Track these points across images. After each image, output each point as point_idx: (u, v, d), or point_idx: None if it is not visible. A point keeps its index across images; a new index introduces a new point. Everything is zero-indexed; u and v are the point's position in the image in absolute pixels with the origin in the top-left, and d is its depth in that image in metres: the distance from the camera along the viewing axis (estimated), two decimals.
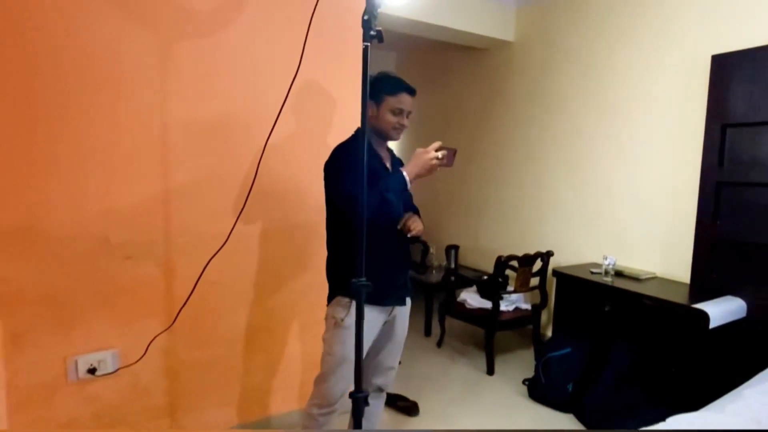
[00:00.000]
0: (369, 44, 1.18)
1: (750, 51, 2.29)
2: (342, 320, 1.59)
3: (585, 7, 3.21)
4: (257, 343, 2.17)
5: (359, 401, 1.26)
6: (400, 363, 2.20)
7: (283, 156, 2.12)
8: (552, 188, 3.51)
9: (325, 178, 1.62)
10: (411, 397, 2.60)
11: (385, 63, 5.08)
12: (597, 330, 2.65)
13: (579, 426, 2.40)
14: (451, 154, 1.48)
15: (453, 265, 4.03)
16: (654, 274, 2.77)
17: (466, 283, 3.57)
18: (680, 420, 1.59)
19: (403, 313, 1.78)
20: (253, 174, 1.79)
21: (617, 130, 3.04)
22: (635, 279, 2.67)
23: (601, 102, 3.13)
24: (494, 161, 4.04)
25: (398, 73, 1.66)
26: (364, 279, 1.21)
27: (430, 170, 1.47)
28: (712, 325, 2.11)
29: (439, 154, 1.45)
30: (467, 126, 4.33)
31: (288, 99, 1.58)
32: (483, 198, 4.18)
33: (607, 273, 2.72)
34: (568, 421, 2.46)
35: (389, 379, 1.86)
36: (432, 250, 4.23)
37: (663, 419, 1.60)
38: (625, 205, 3.00)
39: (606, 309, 2.63)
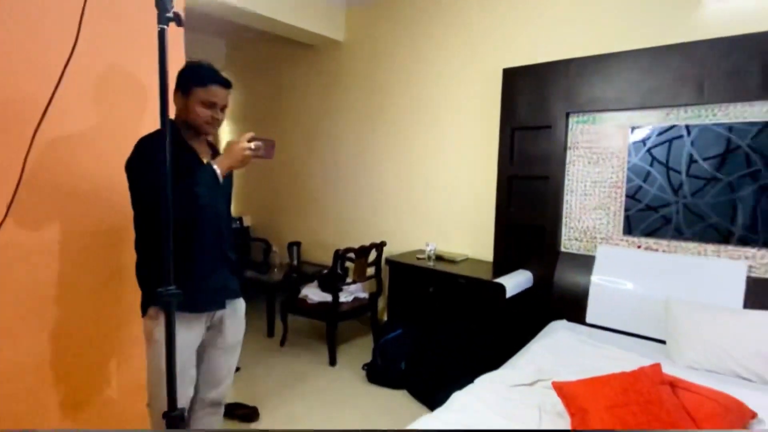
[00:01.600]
0: (166, 27, 1.07)
1: (530, 67, 2.79)
2: (154, 334, 1.44)
3: (407, 14, 3.49)
4: (58, 375, 1.82)
5: (174, 420, 1.15)
6: (238, 369, 2.09)
7: (89, 149, 1.81)
8: (384, 182, 3.75)
9: (129, 175, 1.43)
10: (252, 403, 2.50)
11: (213, 50, 4.73)
12: (424, 310, 2.93)
13: (412, 400, 2.63)
14: (269, 145, 1.45)
15: (296, 262, 4.01)
16: (467, 256, 3.19)
17: (308, 279, 3.59)
18: (484, 378, 1.87)
19: (232, 316, 1.69)
20: (36, 169, 1.48)
21: (434, 129, 3.40)
22: (452, 261, 3.03)
23: (421, 103, 3.46)
24: (331, 157, 4.13)
25: (228, 62, 1.57)
26: (173, 287, 1.10)
27: (243, 161, 1.43)
28: (508, 295, 2.53)
29: (252, 144, 1.42)
30: (304, 121, 4.33)
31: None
32: (322, 193, 4.25)
33: (429, 258, 3.04)
34: (402, 396, 2.67)
35: (223, 391, 1.75)
36: (275, 248, 4.13)
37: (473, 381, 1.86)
38: (443, 197, 3.38)
39: (430, 290, 2.93)
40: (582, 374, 1.67)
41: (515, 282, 2.62)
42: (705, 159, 2.28)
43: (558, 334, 2.30)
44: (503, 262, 2.95)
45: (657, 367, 1.57)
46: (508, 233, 2.96)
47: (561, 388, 1.58)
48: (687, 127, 2.32)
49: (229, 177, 1.55)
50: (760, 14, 2.13)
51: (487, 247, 3.10)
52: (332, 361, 3.05)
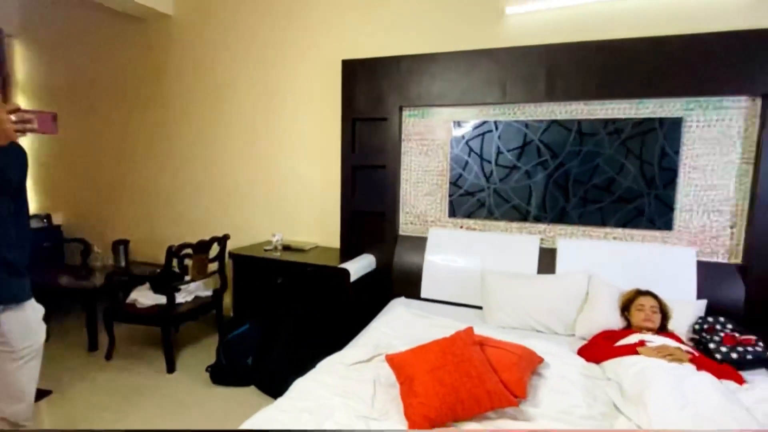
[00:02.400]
0: None
1: (367, 60, 2.90)
2: None
3: None
4: None
5: None
6: (49, 392, 1.79)
7: None
8: (227, 173, 3.54)
9: None
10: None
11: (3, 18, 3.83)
12: (273, 302, 2.88)
13: (260, 395, 2.57)
14: (46, 118, 1.27)
15: (123, 263, 3.54)
16: (316, 244, 3.22)
17: (139, 281, 3.20)
18: (325, 362, 1.91)
19: (15, 323, 1.43)
20: None
21: (279, 117, 3.32)
22: (301, 250, 3.03)
23: (264, 89, 3.34)
24: (165, 143, 3.73)
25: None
26: None
27: (7, 135, 1.22)
28: (352, 279, 2.64)
29: (13, 117, 1.23)
30: (131, 103, 3.81)
31: None
32: (155, 186, 3.81)
33: (276, 248, 2.98)
34: (249, 393, 2.59)
35: (21, 411, 1.48)
36: (96, 249, 3.58)
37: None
38: (291, 186, 3.34)
39: (279, 281, 2.88)
40: (414, 344, 1.83)
41: (359, 266, 2.74)
42: (509, 150, 2.68)
43: (396, 311, 2.48)
44: (349, 248, 3.06)
45: (470, 330, 1.81)
46: (353, 220, 3.07)
47: (392, 360, 1.71)
48: (495, 122, 2.70)
49: None
50: (548, 28, 2.56)
51: (335, 235, 3.17)
52: (170, 368, 2.79)
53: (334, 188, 3.14)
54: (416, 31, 2.87)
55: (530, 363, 1.79)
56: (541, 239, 2.67)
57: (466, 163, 2.78)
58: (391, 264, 2.91)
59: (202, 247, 2.93)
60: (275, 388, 2.52)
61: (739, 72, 2.18)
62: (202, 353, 3.07)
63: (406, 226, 2.99)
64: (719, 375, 1.75)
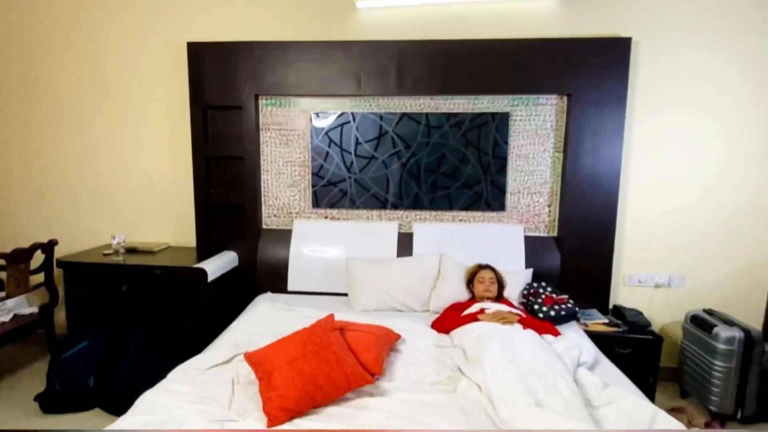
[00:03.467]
0: None
1: (216, 44, 2.72)
2: None
3: None
4: None
5: None
6: None
7: None
8: (52, 169, 3.02)
9: None
10: None
11: None
12: (117, 313, 2.56)
13: (107, 417, 2.28)
14: None
15: None
16: (167, 244, 2.95)
17: None
18: (178, 370, 1.78)
19: None
20: None
21: (116, 106, 2.94)
22: (149, 252, 2.74)
23: (96, 75, 2.91)
24: None
25: None
26: None
27: None
28: (210, 278, 2.48)
29: None
30: None
31: None
32: None
33: (117, 252, 2.66)
34: (93, 417, 2.28)
35: None
36: None
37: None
38: (133, 182, 2.99)
39: (124, 288, 2.58)
40: (277, 339, 1.80)
41: (218, 264, 2.59)
42: (366, 141, 2.78)
43: (259, 307, 2.41)
44: (207, 246, 2.87)
45: (330, 317, 1.84)
46: (210, 216, 2.88)
47: (251, 357, 1.66)
48: (353, 114, 2.77)
49: None
50: (397, 25, 2.70)
51: (191, 233, 2.94)
52: None
53: (186, 182, 2.91)
54: (271, 16, 2.78)
55: (388, 341, 1.91)
56: (400, 225, 2.84)
57: (327, 153, 2.80)
58: (255, 259, 2.81)
59: (20, 256, 2.47)
60: (124, 407, 2.27)
61: (551, 74, 2.58)
62: (29, 381, 2.60)
63: (270, 219, 2.92)
64: (540, 330, 2.08)
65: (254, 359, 1.65)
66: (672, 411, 2.31)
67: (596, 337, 2.32)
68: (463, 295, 2.48)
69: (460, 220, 2.82)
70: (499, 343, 1.80)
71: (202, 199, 2.85)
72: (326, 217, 2.88)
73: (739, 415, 2.25)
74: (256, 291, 2.79)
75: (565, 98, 2.65)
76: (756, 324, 2.64)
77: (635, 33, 2.54)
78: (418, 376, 1.74)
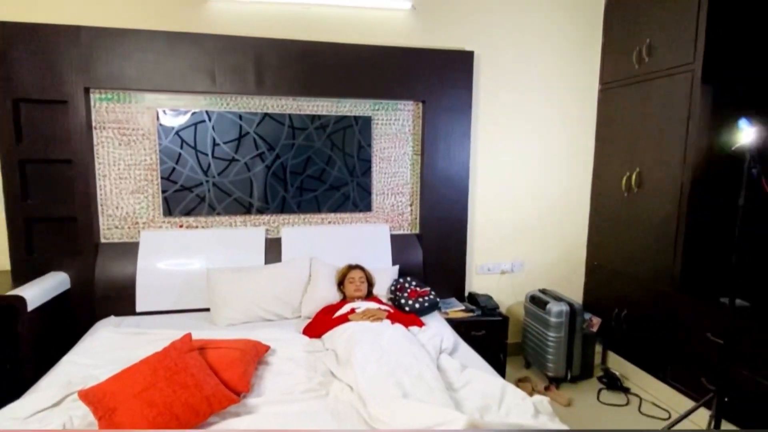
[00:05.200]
0: None
1: (30, 26, 2.26)
2: None
3: None
4: None
5: None
6: None
7: None
8: None
9: None
10: None
11: None
12: None
13: None
14: None
15: None
16: None
17: None
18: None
19: None
20: None
21: None
22: None
23: None
24: None
25: None
26: None
27: None
28: (31, 307, 2.06)
29: None
30: None
31: None
32: None
33: None
34: None
35: None
36: None
37: None
38: None
39: None
40: (122, 369, 1.57)
41: (41, 289, 2.16)
42: (225, 142, 2.60)
43: (99, 334, 2.08)
44: (25, 268, 2.37)
45: (186, 337, 1.67)
46: (29, 230, 2.39)
47: (87, 395, 1.41)
48: (207, 113, 2.56)
49: None
50: (254, 21, 2.57)
51: (2, 252, 2.40)
52: None
53: None
54: None
55: (256, 354, 1.80)
56: (267, 230, 2.72)
57: (179, 155, 2.54)
58: (93, 279, 2.42)
59: None
60: None
61: (407, 81, 2.73)
62: None
63: (110, 231, 2.53)
64: (407, 324, 2.19)
65: (92, 396, 1.41)
66: (519, 381, 2.64)
67: (456, 324, 2.53)
68: (335, 297, 2.48)
69: (329, 222, 2.82)
70: (369, 341, 1.83)
71: (17, 212, 2.34)
72: (181, 226, 2.62)
73: (568, 376, 2.66)
74: (95, 317, 2.40)
75: (420, 104, 2.84)
76: (578, 298, 3.18)
77: (477, 47, 2.84)
78: (288, 385, 1.68)
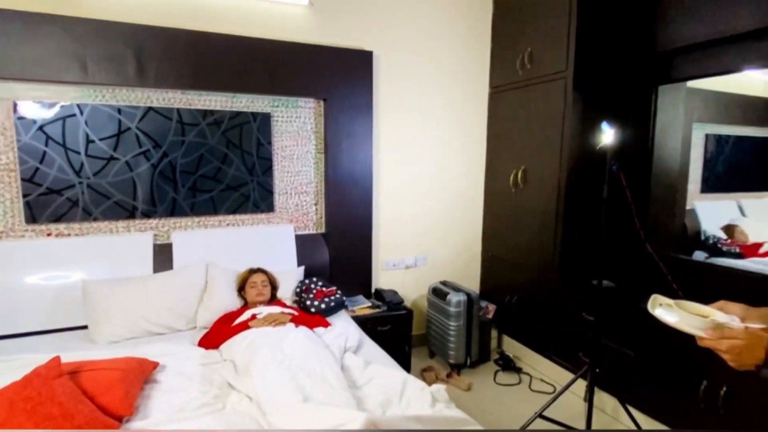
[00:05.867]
0: None
1: None
2: None
3: None
4: None
5: None
6: None
7: None
8: None
9: None
10: None
11: None
12: None
13: None
14: None
15: None
16: None
17: None
18: None
19: None
20: None
21: None
22: None
23: None
24: None
25: None
26: None
27: None
28: None
29: None
30: None
31: None
32: None
33: None
34: None
35: None
36: None
37: None
38: None
39: None
40: None
41: None
42: (102, 139, 2.33)
43: None
44: None
45: (54, 361, 1.47)
46: None
47: None
48: (79, 106, 2.27)
49: None
50: (132, 6, 2.32)
51: None
52: None
53: None
54: None
55: (140, 373, 1.64)
56: (155, 235, 2.49)
57: (45, 154, 2.22)
58: None
59: None
60: None
61: (308, 78, 2.67)
62: None
63: None
64: (312, 325, 2.15)
65: None
66: (423, 371, 2.75)
67: (362, 320, 2.55)
68: (236, 303, 2.36)
69: (228, 225, 2.67)
70: (270, 347, 1.77)
71: None
72: (50, 235, 2.29)
73: (468, 362, 2.83)
74: None
75: (321, 102, 2.80)
76: (476, 287, 3.39)
77: (376, 47, 2.88)
78: (180, 403, 1.55)
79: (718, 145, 3.44)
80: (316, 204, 2.88)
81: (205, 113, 2.52)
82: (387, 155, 3.02)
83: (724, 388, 1.85)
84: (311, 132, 2.82)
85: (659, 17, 2.42)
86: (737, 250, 3.23)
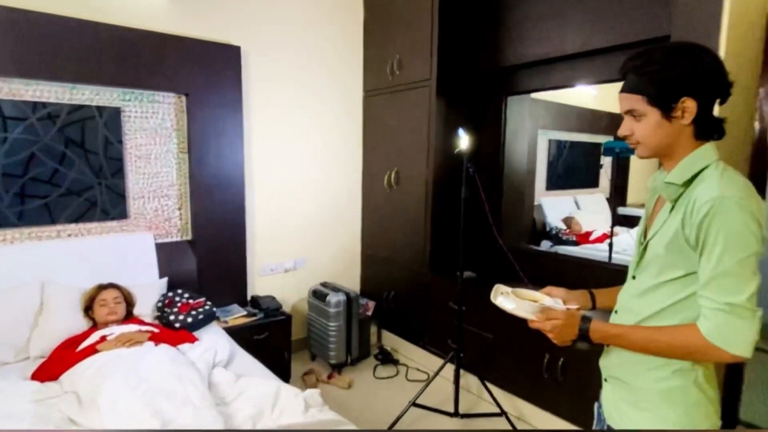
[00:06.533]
0: None
1: None
2: None
3: None
4: None
5: None
6: None
7: None
8: None
9: None
10: None
11: None
12: None
13: None
14: None
15: None
16: None
17: None
18: None
19: None
20: None
21: None
22: None
23: None
24: None
25: None
26: None
27: None
28: None
29: None
30: None
31: None
32: None
33: None
34: None
35: None
36: None
37: None
38: None
39: None
40: None
41: None
42: None
43: None
44: None
45: None
46: None
47: None
48: None
49: None
50: None
51: None
52: None
53: None
54: None
55: None
56: None
57: None
58: None
59: None
60: None
61: (166, 71, 2.43)
62: None
63: None
64: (176, 342, 1.98)
65: None
66: (304, 375, 2.71)
67: (237, 331, 2.43)
68: (81, 326, 2.06)
69: (69, 235, 2.31)
70: (123, 372, 1.58)
71: None
72: None
73: (349, 360, 2.87)
74: None
75: (183, 98, 2.58)
76: (356, 285, 3.45)
77: (246, 43, 2.74)
78: None
79: (558, 149, 4.01)
80: (180, 208, 2.65)
81: (36, 105, 2.15)
82: (262, 156, 2.91)
83: (561, 360, 2.16)
84: (172, 129, 2.58)
85: (506, 36, 2.72)
86: (574, 238, 3.80)
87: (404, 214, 3.02)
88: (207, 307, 2.34)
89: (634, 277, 1.07)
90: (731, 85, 0.95)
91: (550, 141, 3.90)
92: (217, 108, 2.62)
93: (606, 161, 4.14)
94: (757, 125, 2.00)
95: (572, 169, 4.20)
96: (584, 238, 3.89)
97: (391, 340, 3.21)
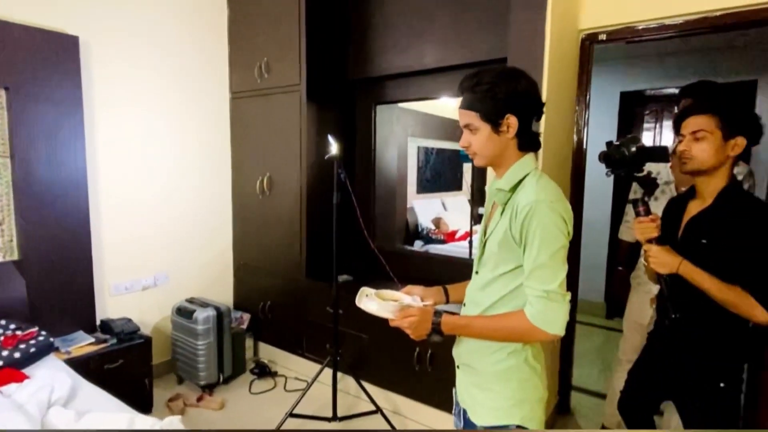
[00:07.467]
0: None
1: None
2: None
3: None
4: None
5: None
6: None
7: None
8: None
9: None
10: None
11: None
12: None
13: None
14: None
15: None
16: None
17: None
18: None
19: None
20: None
21: None
22: None
23: None
24: None
25: None
26: None
27: None
28: None
29: None
30: None
31: None
32: None
33: None
34: None
35: None
36: None
37: None
38: None
39: None
40: None
41: None
42: None
43: None
44: None
45: None
46: None
47: None
48: None
49: None
50: None
51: None
52: None
53: None
54: None
55: None
56: None
57: None
58: None
59: None
60: None
61: None
62: None
63: None
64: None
65: None
66: (170, 401, 2.47)
67: (83, 362, 2.12)
68: None
69: None
70: None
71: None
72: None
73: (221, 379, 2.70)
74: None
75: (2, 92, 2.17)
76: (229, 298, 3.26)
77: (85, 32, 2.41)
78: None
79: (426, 155, 4.30)
80: (1, 224, 2.22)
81: None
82: (111, 161, 2.58)
83: (429, 351, 2.31)
84: None
85: (373, 47, 2.83)
86: (442, 237, 4.12)
87: (278, 220, 2.95)
88: (41, 338, 1.99)
89: (477, 272, 1.20)
90: (543, 105, 1.12)
91: (419, 148, 4.18)
92: (50, 105, 2.26)
93: (466, 166, 4.58)
94: (575, 137, 2.40)
95: (439, 173, 4.55)
96: (451, 236, 4.24)
97: (269, 352, 3.10)
